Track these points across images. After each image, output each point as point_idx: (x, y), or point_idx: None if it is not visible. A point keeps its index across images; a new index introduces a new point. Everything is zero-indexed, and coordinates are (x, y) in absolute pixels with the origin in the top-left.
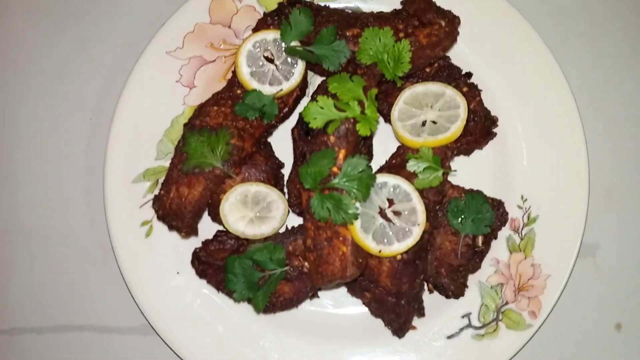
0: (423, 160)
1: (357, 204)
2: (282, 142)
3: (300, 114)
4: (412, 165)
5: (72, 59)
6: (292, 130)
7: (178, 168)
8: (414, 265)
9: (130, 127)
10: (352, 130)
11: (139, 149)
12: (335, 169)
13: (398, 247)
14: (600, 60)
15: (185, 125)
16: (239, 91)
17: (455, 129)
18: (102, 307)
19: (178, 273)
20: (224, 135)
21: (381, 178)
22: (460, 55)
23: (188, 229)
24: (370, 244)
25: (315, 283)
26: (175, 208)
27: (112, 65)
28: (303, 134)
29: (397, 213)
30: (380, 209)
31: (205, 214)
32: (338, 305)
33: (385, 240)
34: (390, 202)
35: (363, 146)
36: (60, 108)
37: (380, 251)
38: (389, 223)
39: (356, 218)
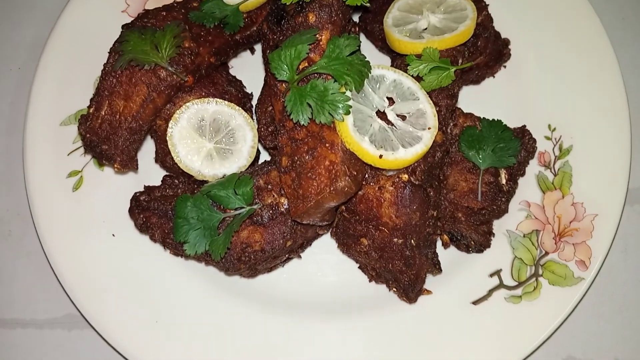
0: (428, 61)
1: (348, 94)
2: (248, 79)
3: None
4: (414, 68)
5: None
6: (261, 26)
7: (112, 75)
8: (425, 192)
9: (63, 61)
10: (337, 5)
11: (72, 87)
12: (316, 57)
13: (405, 154)
14: None
15: (123, 26)
16: (195, 4)
17: (464, 28)
18: (15, 295)
19: (114, 235)
20: (172, 29)
21: (378, 70)
22: None
23: (123, 157)
24: (367, 147)
25: (295, 214)
26: (108, 128)
27: (47, 8)
28: (274, 22)
29: (400, 116)
30: (378, 110)
31: (152, 161)
32: (326, 272)
33: (387, 146)
34: (391, 101)
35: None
36: None
37: (381, 156)
38: (390, 127)
39: (348, 112)
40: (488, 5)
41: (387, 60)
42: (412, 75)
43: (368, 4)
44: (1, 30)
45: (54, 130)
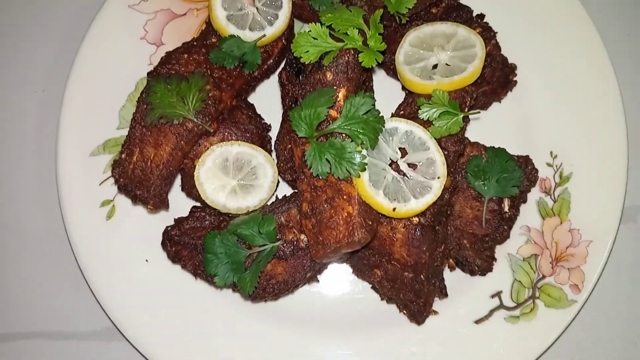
0: (438, 106)
1: (364, 152)
2: (266, 104)
3: (289, 53)
4: (425, 112)
5: (21, 23)
6: (280, 74)
7: (141, 125)
8: (433, 232)
9: (88, 91)
10: (354, 63)
11: (98, 117)
12: (334, 113)
13: (416, 205)
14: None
15: (149, 74)
16: (214, 39)
17: (473, 69)
18: (58, 309)
19: (147, 261)
20: (196, 81)
21: (391, 123)
22: None
23: (156, 200)
24: (381, 201)
25: (315, 256)
26: (140, 174)
27: (66, 29)
28: (293, 74)
29: (412, 165)
30: (392, 160)
31: (179, 189)
32: (342, 291)
33: (400, 197)
34: (403, 152)
35: (365, 90)
36: (6, 80)
37: (394, 209)
38: (402, 177)
39: (363, 169)
40: (497, 33)
41: (397, 84)
42: (422, 119)
43: (382, 60)
44: (19, 52)
45: (84, 161)
